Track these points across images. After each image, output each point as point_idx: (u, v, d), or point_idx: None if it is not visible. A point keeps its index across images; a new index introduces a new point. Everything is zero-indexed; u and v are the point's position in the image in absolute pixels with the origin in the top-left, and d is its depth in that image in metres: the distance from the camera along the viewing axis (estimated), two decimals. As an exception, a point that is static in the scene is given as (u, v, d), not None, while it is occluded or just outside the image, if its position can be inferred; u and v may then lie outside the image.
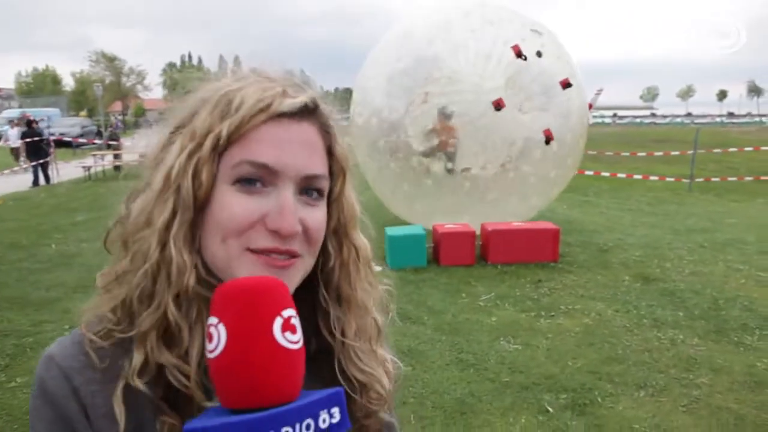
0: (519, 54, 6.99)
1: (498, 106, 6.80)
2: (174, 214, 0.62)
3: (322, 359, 0.71)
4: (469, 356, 4.15)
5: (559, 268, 6.35)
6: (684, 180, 14.00)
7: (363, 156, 7.57)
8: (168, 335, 0.62)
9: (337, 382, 0.70)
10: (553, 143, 7.10)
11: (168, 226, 0.61)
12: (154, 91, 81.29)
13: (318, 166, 0.65)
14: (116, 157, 18.49)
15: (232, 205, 0.61)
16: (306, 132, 0.65)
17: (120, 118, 59.04)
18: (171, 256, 0.61)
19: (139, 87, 72.43)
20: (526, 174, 7.27)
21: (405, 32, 7.88)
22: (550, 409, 3.45)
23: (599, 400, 3.55)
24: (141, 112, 78.09)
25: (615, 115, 72.32)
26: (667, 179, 14.11)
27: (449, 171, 7.31)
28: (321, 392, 0.53)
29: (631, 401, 3.54)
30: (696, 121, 67.59)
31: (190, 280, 0.61)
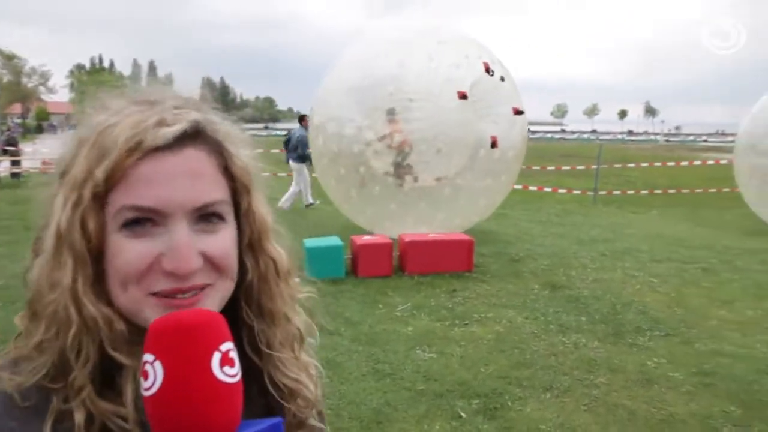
0: (488, 69, 7.74)
1: (463, 96, 7.50)
2: (76, 271, 0.59)
3: (248, 378, 0.69)
4: (385, 366, 4.22)
5: (474, 277, 6.58)
6: (589, 193, 14.92)
7: (324, 169, 8.51)
8: (101, 384, 0.60)
9: (262, 399, 0.70)
10: (497, 150, 7.76)
11: (75, 284, 0.59)
12: (59, 94, 76.56)
13: (209, 193, 0.62)
14: (14, 163, 17.22)
15: (124, 251, 0.59)
16: (189, 160, 0.61)
17: (18, 121, 54.99)
18: (91, 313, 0.58)
19: (42, 88, 67.88)
20: (464, 185, 7.96)
21: (366, 51, 8.64)
22: (463, 415, 3.57)
23: (509, 403, 3.72)
24: (44, 115, 73.14)
25: (528, 130, 75.82)
26: (574, 192, 14.99)
27: (398, 167, 7.86)
28: (260, 423, 0.53)
29: (538, 403, 3.73)
30: (600, 137, 72.22)
31: (121, 326, 0.60)
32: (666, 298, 6.05)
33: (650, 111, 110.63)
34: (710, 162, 18.76)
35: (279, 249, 0.72)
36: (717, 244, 9.33)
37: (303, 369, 0.75)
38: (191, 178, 0.60)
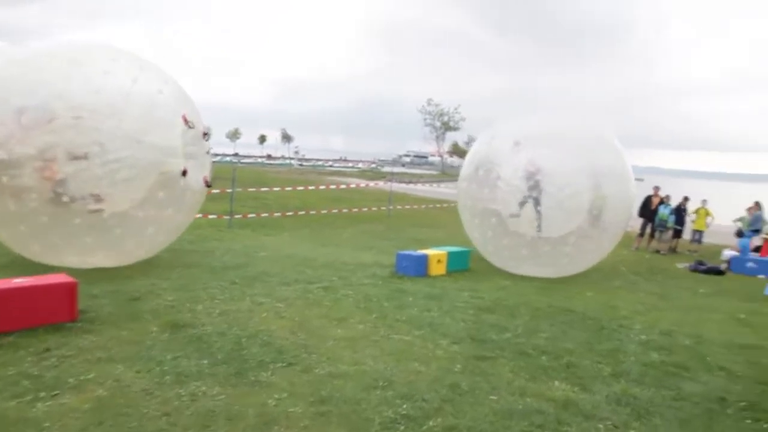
0: (186, 122, 8.00)
1: (186, 122, 8.02)
2: None
3: None
4: None
5: (77, 327, 5.43)
6: (225, 217, 14.77)
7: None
8: None
9: None
10: (183, 179, 7.95)
11: None
12: None
13: None
14: None
15: None
16: None
17: None
18: None
19: None
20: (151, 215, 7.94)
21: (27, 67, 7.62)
22: None
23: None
24: None
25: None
26: (210, 216, 14.62)
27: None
28: None
29: (140, 485, 3.05)
30: (243, 161, 74.69)
31: None
32: (291, 323, 6.08)
33: (286, 137, 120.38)
34: (332, 186, 20.91)
35: None
36: (336, 262, 10.19)
37: None
38: None
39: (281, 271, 8.89)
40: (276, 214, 16.36)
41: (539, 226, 9.55)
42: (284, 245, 12.17)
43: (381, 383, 4.57)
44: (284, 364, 4.86)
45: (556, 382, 4.84)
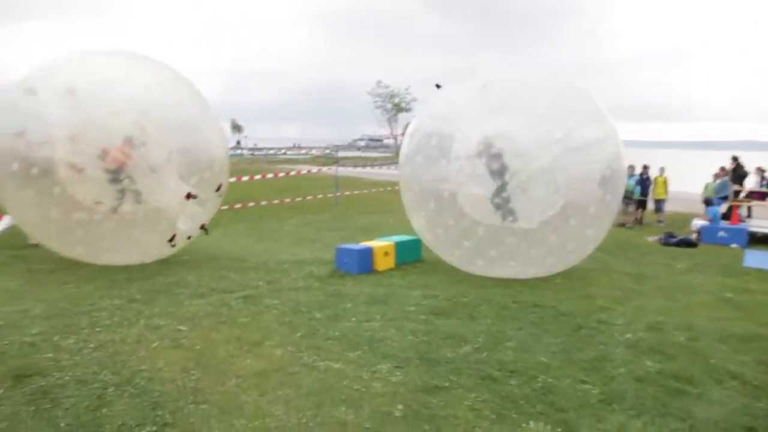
0: (220, 188, 8.53)
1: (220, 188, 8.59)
2: None
3: None
4: None
5: None
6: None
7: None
8: None
9: None
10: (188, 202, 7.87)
11: None
12: None
13: None
14: None
15: None
16: None
17: None
18: None
19: None
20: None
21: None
22: None
23: None
24: None
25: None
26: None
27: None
28: None
29: None
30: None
31: None
32: (187, 355, 4.67)
33: (236, 127, 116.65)
34: (270, 175, 19.33)
35: None
36: (270, 261, 8.80)
37: None
38: None
39: (198, 279, 7.42)
40: (210, 209, 14.73)
41: (511, 215, 7.32)
42: (213, 245, 10.64)
43: (289, 449, 3.24)
44: (154, 428, 3.46)
45: (532, 423, 3.60)
